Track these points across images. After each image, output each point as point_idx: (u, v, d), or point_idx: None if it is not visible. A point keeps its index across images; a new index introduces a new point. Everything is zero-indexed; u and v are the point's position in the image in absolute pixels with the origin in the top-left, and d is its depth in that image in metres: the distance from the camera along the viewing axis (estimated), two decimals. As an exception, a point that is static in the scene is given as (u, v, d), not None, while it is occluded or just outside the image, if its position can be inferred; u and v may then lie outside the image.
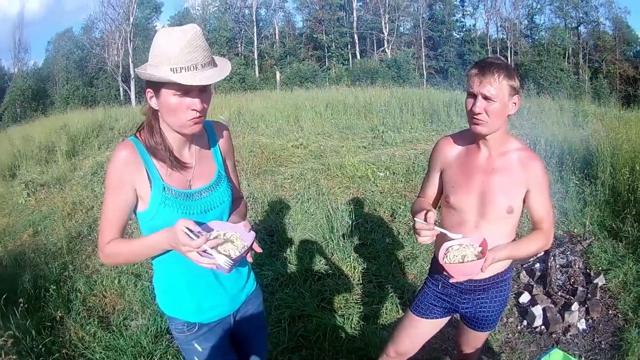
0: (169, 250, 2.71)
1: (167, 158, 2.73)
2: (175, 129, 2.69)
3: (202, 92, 2.57)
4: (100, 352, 5.43)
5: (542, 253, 6.86)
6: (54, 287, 6.63)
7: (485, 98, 3.02)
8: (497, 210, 3.24)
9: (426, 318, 3.72)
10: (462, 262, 2.97)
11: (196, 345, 3.05)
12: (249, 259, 2.76)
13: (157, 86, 2.54)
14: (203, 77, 2.48)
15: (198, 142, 2.91)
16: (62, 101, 56.12)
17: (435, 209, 3.38)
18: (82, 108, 34.64)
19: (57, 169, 14.34)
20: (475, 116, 3.08)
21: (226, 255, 2.53)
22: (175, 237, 2.45)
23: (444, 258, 3.04)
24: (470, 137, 3.37)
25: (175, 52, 2.41)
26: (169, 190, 2.73)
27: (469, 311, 3.62)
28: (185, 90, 2.50)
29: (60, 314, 6.09)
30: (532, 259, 6.99)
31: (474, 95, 3.06)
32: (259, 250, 2.78)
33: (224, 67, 2.65)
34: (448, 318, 3.81)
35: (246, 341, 3.39)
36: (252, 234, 2.72)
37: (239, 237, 2.70)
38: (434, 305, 3.68)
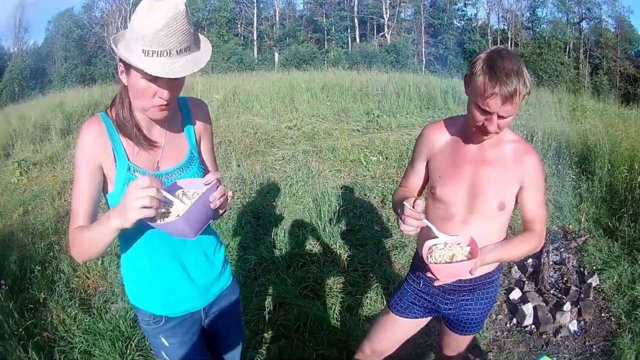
0: (130, 239, 2.62)
1: (134, 135, 2.56)
2: (140, 111, 2.55)
3: (172, 79, 2.34)
4: (80, 336, 5.32)
5: None
6: (39, 268, 6.55)
7: (502, 117, 2.75)
8: (487, 206, 3.02)
9: (405, 317, 3.51)
10: (450, 262, 2.72)
11: (163, 339, 2.91)
12: (215, 205, 2.34)
13: (126, 63, 2.32)
14: (173, 68, 2.27)
15: (170, 120, 2.72)
16: (59, 80, 56.76)
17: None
18: (79, 86, 34.95)
19: (50, 147, 14.34)
20: (489, 133, 2.85)
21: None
22: (124, 199, 2.14)
23: (428, 258, 2.78)
24: (461, 125, 3.13)
25: (152, 32, 2.19)
26: (133, 171, 2.54)
27: (451, 313, 3.40)
28: (154, 77, 2.28)
29: (43, 296, 6.03)
30: None
31: (487, 112, 2.74)
32: (222, 195, 2.35)
33: (200, 57, 2.42)
34: (429, 318, 3.60)
35: (220, 339, 3.26)
36: (215, 183, 2.37)
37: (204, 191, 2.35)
38: (414, 304, 3.46)
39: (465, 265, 2.68)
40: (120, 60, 2.37)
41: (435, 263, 2.73)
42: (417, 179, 3.37)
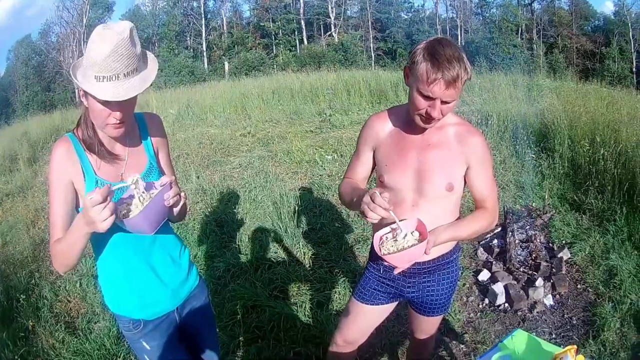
0: (102, 248, 2.81)
1: (98, 151, 2.76)
2: (99, 129, 2.73)
3: (122, 100, 2.52)
4: (70, 358, 5.43)
5: (499, 229, 6.80)
6: (24, 297, 6.63)
7: (445, 102, 2.79)
8: (435, 189, 3.06)
9: (371, 305, 3.53)
10: (403, 249, 2.75)
11: (144, 343, 3.05)
12: (169, 203, 2.60)
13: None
14: (121, 91, 2.47)
15: (130, 135, 2.90)
16: (22, 108, 57.00)
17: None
18: (41, 113, 35.10)
19: (19, 177, 14.38)
20: (432, 120, 2.87)
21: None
22: (84, 210, 2.34)
23: (380, 250, 2.83)
24: (403, 113, 3.17)
25: (101, 59, 2.41)
26: (101, 184, 2.68)
27: (415, 296, 3.43)
28: (106, 100, 2.49)
29: (31, 323, 6.09)
30: (488, 235, 6.89)
31: (430, 98, 2.78)
32: (175, 194, 2.63)
33: (147, 76, 2.62)
34: (395, 303, 3.62)
35: (196, 336, 3.37)
36: (168, 184, 2.61)
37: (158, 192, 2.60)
38: (378, 290, 3.48)
39: (418, 247, 2.74)
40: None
41: (388, 254, 2.78)
42: (364, 169, 3.44)
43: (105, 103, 2.49)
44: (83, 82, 2.46)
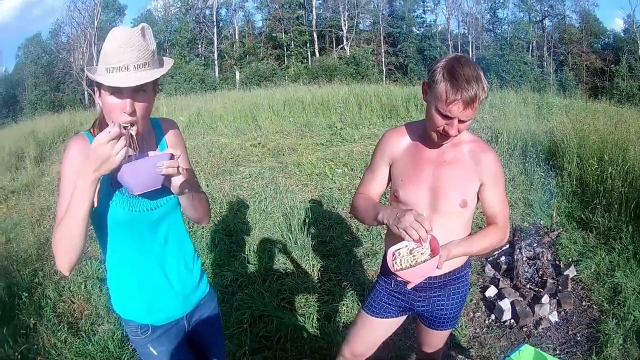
0: (114, 248, 2.73)
1: None
2: None
3: (136, 93, 2.47)
4: (72, 359, 5.40)
5: (507, 246, 6.81)
6: (26, 295, 6.59)
7: (462, 121, 2.85)
8: (449, 205, 3.09)
9: (380, 318, 3.53)
10: (415, 264, 2.76)
11: (151, 348, 2.99)
12: (160, 170, 2.47)
13: (98, 85, 2.49)
14: (128, 80, 2.39)
15: (146, 139, 2.82)
16: (30, 107, 56.84)
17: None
18: (49, 113, 34.91)
19: (26, 175, 14.27)
20: (449, 137, 2.93)
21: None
22: (96, 148, 2.28)
23: (393, 265, 2.82)
24: (420, 129, 3.20)
25: (110, 51, 2.38)
26: (116, 186, 2.61)
27: (425, 310, 3.45)
28: (116, 91, 2.43)
29: (33, 321, 6.05)
30: (496, 252, 6.90)
31: (448, 117, 2.83)
32: (172, 166, 2.48)
33: (159, 70, 2.56)
34: (404, 317, 3.62)
35: (204, 345, 3.32)
36: (169, 154, 2.52)
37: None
38: (388, 304, 3.49)
39: (431, 262, 2.75)
40: (95, 84, 2.53)
41: (401, 269, 2.78)
42: (379, 184, 3.41)
43: (117, 96, 2.43)
44: (93, 75, 2.45)
